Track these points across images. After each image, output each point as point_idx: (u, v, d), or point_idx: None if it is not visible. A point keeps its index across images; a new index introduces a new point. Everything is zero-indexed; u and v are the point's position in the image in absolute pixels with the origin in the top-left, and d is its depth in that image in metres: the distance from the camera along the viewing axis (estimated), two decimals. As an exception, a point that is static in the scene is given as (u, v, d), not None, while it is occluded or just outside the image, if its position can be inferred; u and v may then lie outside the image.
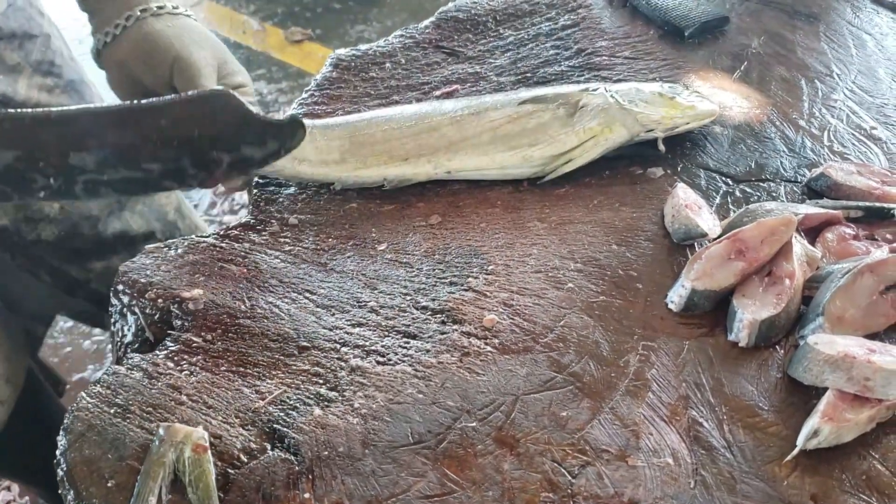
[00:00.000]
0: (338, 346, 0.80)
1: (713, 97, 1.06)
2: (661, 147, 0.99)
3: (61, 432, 0.73)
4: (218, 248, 0.93)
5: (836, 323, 0.77)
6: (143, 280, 0.87)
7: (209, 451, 0.70)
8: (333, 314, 0.84)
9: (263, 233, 0.95)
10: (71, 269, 1.11)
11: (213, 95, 0.79)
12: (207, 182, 0.82)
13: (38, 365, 1.20)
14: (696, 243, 0.88)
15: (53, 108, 0.80)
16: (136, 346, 0.86)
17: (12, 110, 0.78)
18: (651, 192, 0.96)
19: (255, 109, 0.80)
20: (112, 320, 0.90)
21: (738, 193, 0.96)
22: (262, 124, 0.80)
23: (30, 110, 0.79)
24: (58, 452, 0.72)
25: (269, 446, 0.72)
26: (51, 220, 1.08)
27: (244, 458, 0.71)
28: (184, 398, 0.76)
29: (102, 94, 1.18)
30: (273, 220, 0.96)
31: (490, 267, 0.88)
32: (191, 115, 0.78)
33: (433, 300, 0.84)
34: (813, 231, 0.88)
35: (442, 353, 0.79)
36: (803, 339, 0.76)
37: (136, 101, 0.80)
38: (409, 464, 0.70)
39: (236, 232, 0.95)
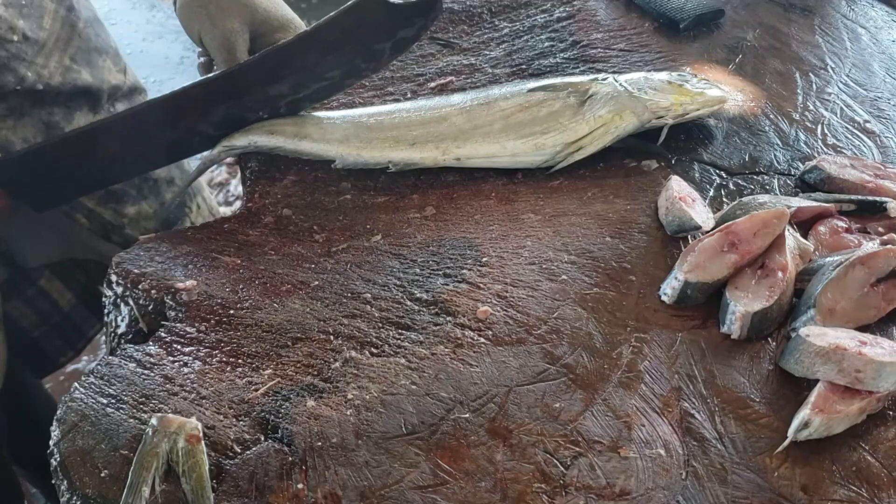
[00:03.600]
0: (331, 337, 0.80)
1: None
2: (663, 136, 0.99)
3: (54, 423, 0.73)
4: (212, 239, 0.92)
5: (827, 315, 0.77)
6: (136, 270, 0.87)
7: (203, 442, 0.70)
8: (327, 305, 0.84)
9: (257, 224, 0.94)
10: (105, 212, 1.14)
11: (361, 3, 0.92)
12: (378, 69, 1.00)
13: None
14: (689, 235, 0.88)
15: (246, 59, 0.96)
16: (130, 336, 0.86)
17: (217, 73, 0.95)
18: (645, 185, 0.96)
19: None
20: (105, 311, 0.90)
21: (731, 186, 0.96)
22: (405, 9, 0.94)
23: (229, 68, 0.95)
24: (51, 443, 0.72)
25: (262, 437, 0.72)
26: None
27: (237, 449, 0.71)
28: (177, 389, 0.76)
29: (111, 31, 1.23)
30: (267, 212, 0.96)
31: (484, 259, 0.88)
32: (350, 24, 0.92)
33: (427, 292, 0.84)
34: (806, 224, 0.88)
35: (436, 344, 0.79)
36: (795, 332, 0.76)
37: (308, 29, 0.95)
38: (402, 454, 0.71)
39: (230, 223, 0.95)
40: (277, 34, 1.02)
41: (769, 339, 0.79)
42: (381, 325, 0.81)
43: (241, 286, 0.86)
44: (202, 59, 1.07)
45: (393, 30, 0.94)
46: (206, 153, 1.03)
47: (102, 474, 0.70)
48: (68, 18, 1.09)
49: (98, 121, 1.00)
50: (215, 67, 1.00)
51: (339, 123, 1.00)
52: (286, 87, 0.95)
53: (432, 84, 1.12)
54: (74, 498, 0.69)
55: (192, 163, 1.33)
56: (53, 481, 0.72)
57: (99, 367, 0.78)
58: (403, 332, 0.81)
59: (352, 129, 0.99)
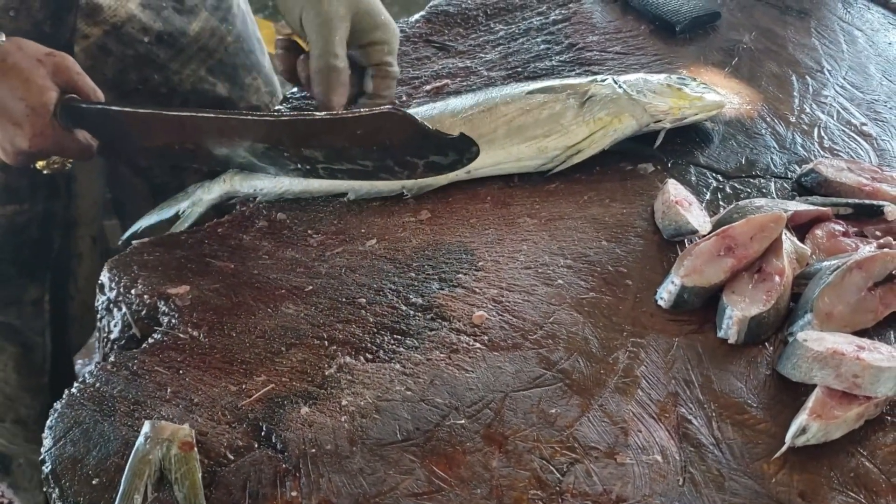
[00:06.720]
0: (326, 342, 0.80)
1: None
2: (660, 139, 0.98)
3: (46, 430, 0.73)
4: (206, 244, 0.92)
5: (824, 319, 0.77)
6: (129, 275, 0.87)
7: (196, 449, 0.70)
8: (321, 310, 0.83)
9: (251, 228, 0.94)
10: None
11: (386, 115, 0.87)
12: (414, 177, 0.92)
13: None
14: (686, 240, 0.88)
15: (284, 114, 0.93)
16: (123, 342, 0.85)
17: (253, 115, 0.90)
18: (641, 188, 0.96)
19: (427, 125, 0.86)
20: (98, 316, 0.89)
21: (728, 189, 0.96)
22: (437, 138, 0.87)
23: (267, 115, 0.91)
24: (42, 450, 0.72)
25: (255, 444, 0.72)
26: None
27: (231, 456, 0.71)
28: (170, 395, 0.75)
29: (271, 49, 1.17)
30: (261, 216, 0.95)
31: (480, 263, 0.87)
32: (376, 128, 0.86)
33: (422, 296, 0.84)
34: (802, 228, 0.88)
35: (431, 349, 0.79)
36: (792, 336, 0.76)
37: (334, 114, 0.91)
38: (396, 461, 0.70)
39: (223, 227, 0.94)
40: (376, 32, 0.97)
41: (766, 343, 0.79)
42: (376, 330, 0.81)
43: (234, 291, 0.85)
44: (280, 51, 0.99)
45: (423, 151, 0.87)
46: (207, 196, 1.00)
47: (94, 482, 0.69)
48: (218, 30, 1.06)
49: (158, 110, 0.95)
50: (303, 58, 0.95)
51: None
52: (319, 154, 0.90)
53: (427, 87, 1.12)
54: (66, 506, 0.68)
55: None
56: (45, 489, 0.71)
57: (90, 373, 0.78)
58: (398, 337, 0.80)
59: None
